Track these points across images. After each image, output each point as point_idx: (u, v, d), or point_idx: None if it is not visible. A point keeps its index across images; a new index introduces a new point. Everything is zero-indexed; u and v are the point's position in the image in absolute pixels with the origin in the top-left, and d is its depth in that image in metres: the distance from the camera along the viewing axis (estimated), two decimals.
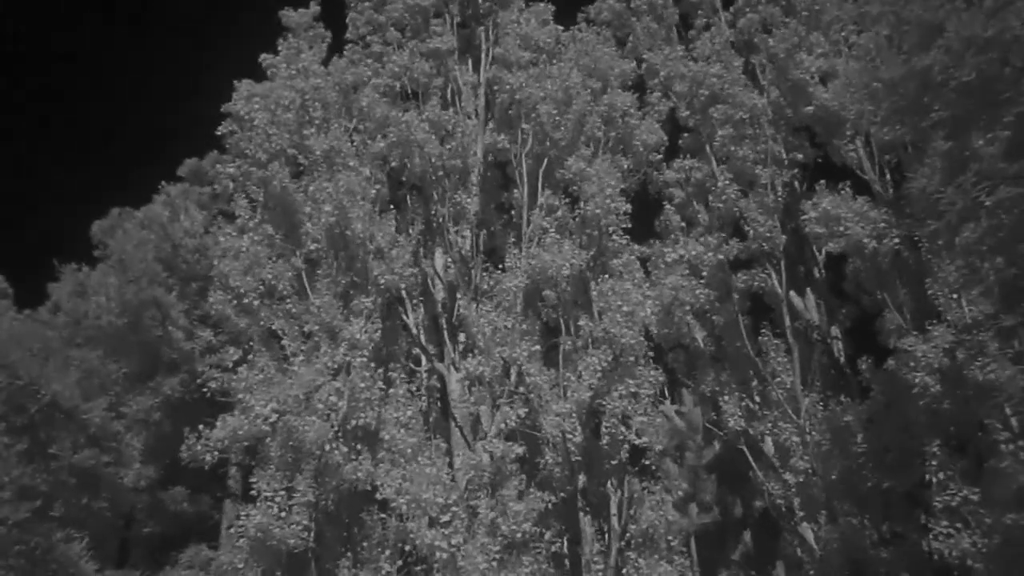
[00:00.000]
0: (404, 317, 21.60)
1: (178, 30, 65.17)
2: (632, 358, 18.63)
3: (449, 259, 22.66)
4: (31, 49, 63.02)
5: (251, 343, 19.00)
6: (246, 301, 19.23)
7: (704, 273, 22.17)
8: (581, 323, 19.50)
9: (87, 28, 63.84)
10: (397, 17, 25.83)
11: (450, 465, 19.64)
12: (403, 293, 21.05)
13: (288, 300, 19.45)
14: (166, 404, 23.86)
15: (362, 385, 18.18)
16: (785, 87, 23.31)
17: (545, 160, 22.11)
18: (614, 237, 20.52)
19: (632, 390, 18.38)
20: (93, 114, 64.74)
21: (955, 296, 18.11)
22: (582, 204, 20.84)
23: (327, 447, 17.14)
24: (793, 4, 24.43)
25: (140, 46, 65.26)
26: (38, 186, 60.12)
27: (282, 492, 17.00)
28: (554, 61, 23.55)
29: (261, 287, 19.37)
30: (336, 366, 18.26)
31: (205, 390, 19.66)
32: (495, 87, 23.86)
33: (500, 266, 21.16)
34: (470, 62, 26.11)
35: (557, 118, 21.95)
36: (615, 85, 23.03)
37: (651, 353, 19.07)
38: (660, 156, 23.90)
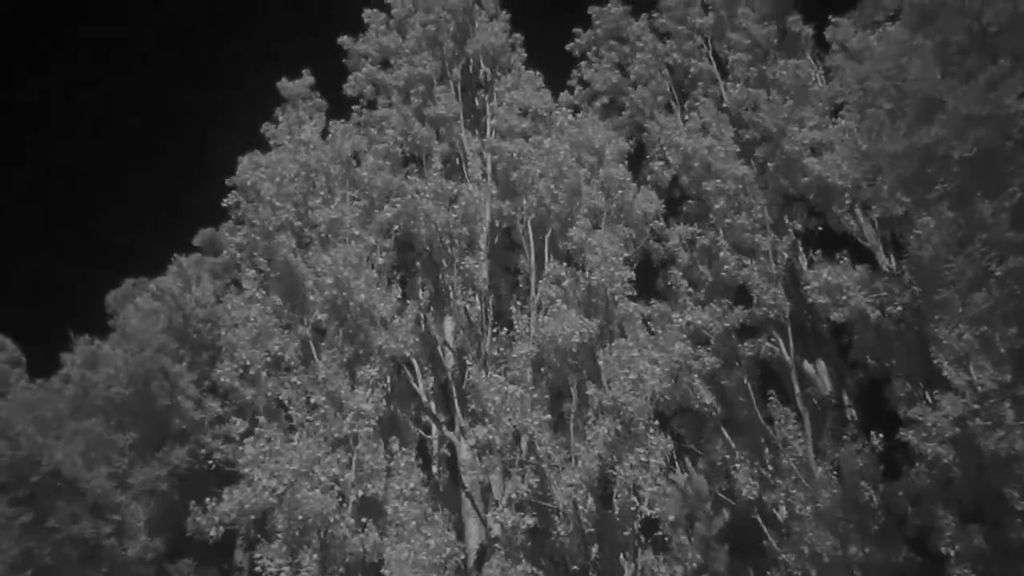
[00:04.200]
0: (414, 384, 21.57)
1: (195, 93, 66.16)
2: (642, 427, 18.49)
3: (458, 325, 22.66)
4: (48, 111, 64.15)
5: (257, 415, 18.92)
6: (252, 373, 19.20)
7: (711, 340, 22.21)
8: (589, 392, 19.42)
9: (108, 88, 64.95)
10: (402, 86, 26.22)
11: (460, 536, 19.52)
12: (412, 360, 21.03)
13: (294, 371, 19.39)
14: (174, 474, 23.68)
15: (368, 456, 18.08)
16: (779, 159, 23.55)
17: (550, 230, 22.24)
18: (620, 305, 20.56)
19: (642, 459, 18.21)
20: (113, 183, 65.56)
21: (962, 364, 18.02)
22: (587, 273, 20.88)
23: (332, 519, 16.93)
24: (779, 79, 24.79)
25: (164, 113, 66.32)
26: (57, 254, 60.69)
27: (287, 567, 16.76)
28: (548, 136, 23.73)
29: (268, 358, 19.35)
30: (342, 436, 18.16)
31: (210, 463, 19.58)
32: (495, 156, 24.14)
33: (508, 331, 21.14)
34: (478, 128, 26.45)
35: (555, 192, 22.11)
36: (609, 159, 23.26)
37: (656, 421, 18.93)
38: (661, 223, 24.03)
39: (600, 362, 19.47)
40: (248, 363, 19.24)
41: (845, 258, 21.42)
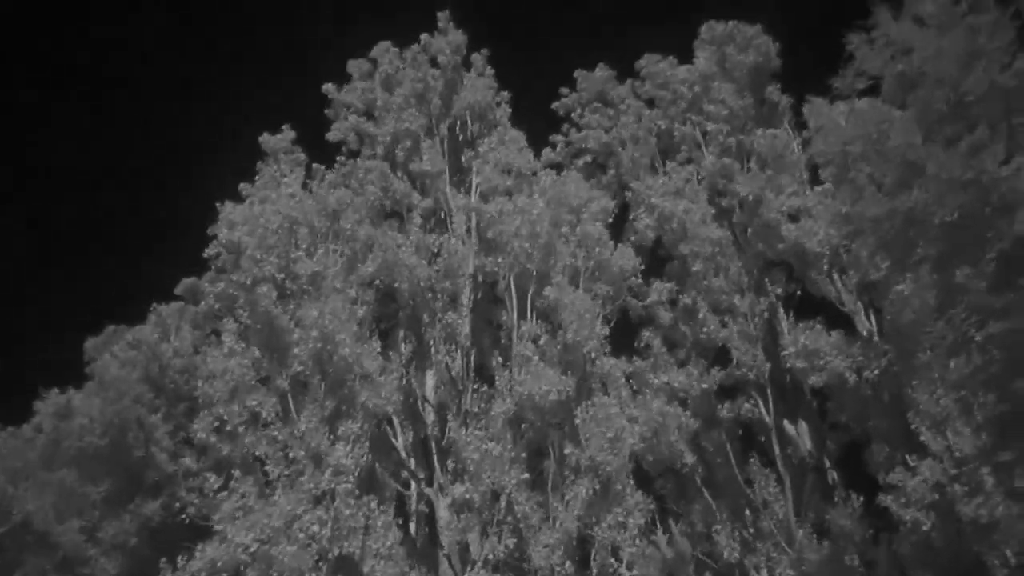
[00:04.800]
0: (393, 440, 21.33)
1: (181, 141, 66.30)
2: (619, 486, 18.38)
3: (439, 380, 22.50)
4: (31, 150, 64.03)
5: (233, 470, 18.59)
6: (229, 428, 18.88)
7: (688, 401, 22.27)
8: (567, 451, 19.31)
9: (93, 135, 65.03)
10: (388, 141, 26.35)
11: None
12: (392, 416, 20.83)
13: (273, 425, 19.09)
14: (145, 528, 23.20)
15: (347, 512, 17.78)
16: (757, 225, 23.86)
17: (531, 286, 22.26)
18: (597, 363, 20.55)
19: (620, 519, 18.06)
20: (97, 226, 65.22)
21: (940, 430, 18.08)
22: (562, 331, 20.87)
23: None
24: (756, 149, 25.21)
25: (152, 156, 66.40)
26: (36, 299, 60.15)
27: None
28: (529, 194, 23.90)
29: (245, 414, 19.04)
30: (320, 493, 17.87)
31: (184, 516, 19.23)
32: (476, 214, 24.23)
33: (489, 387, 21.05)
34: (463, 186, 26.57)
35: (530, 251, 22.20)
36: (586, 217, 23.42)
37: (631, 480, 18.80)
38: (639, 280, 24.12)
39: (577, 420, 19.39)
40: (225, 418, 18.94)
41: (819, 324, 21.78)
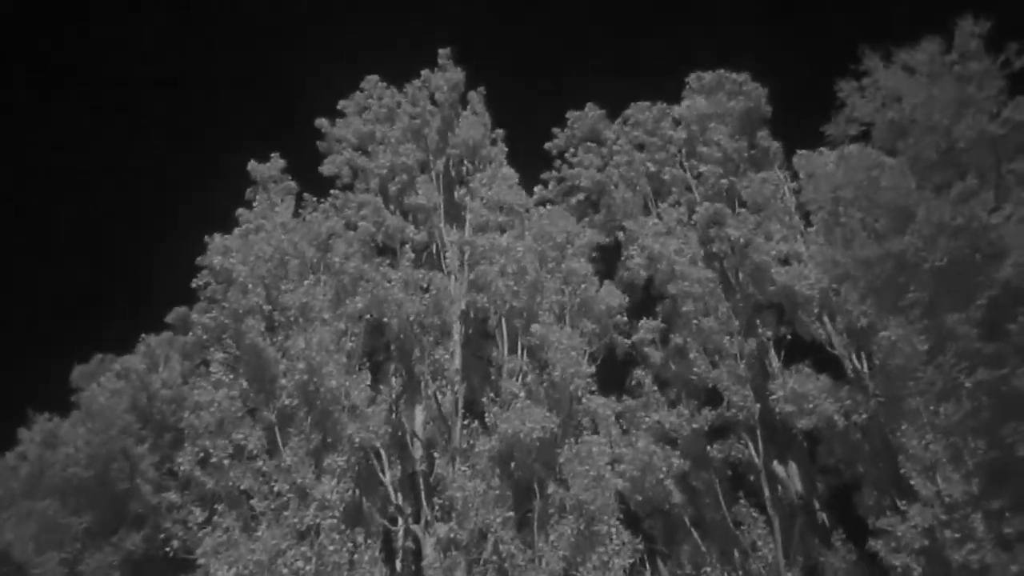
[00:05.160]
0: (380, 474, 21.14)
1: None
2: (604, 526, 18.24)
3: (428, 416, 22.37)
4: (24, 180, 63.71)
5: (217, 504, 18.37)
6: (214, 461, 18.69)
7: (678, 440, 22.19)
8: (550, 490, 19.18)
9: (89, 154, 64.68)
10: (384, 174, 26.43)
11: None
12: (380, 450, 20.68)
13: (258, 459, 18.90)
14: (128, 561, 22.87)
15: (331, 548, 17.58)
16: (748, 268, 24.03)
17: (519, 323, 22.23)
18: (583, 400, 20.49)
19: (605, 559, 17.90)
20: (87, 253, 64.70)
21: (929, 475, 18.05)
22: (549, 369, 20.79)
23: None
24: (748, 194, 25.49)
25: (144, 183, 66.04)
26: (26, 326, 59.47)
27: None
28: (517, 233, 23.96)
29: (230, 448, 18.84)
30: (304, 528, 17.68)
31: (167, 550, 18.96)
32: (468, 249, 24.25)
33: (478, 423, 20.93)
34: (457, 221, 26.62)
35: (515, 289, 22.22)
36: (571, 253, 23.46)
37: (618, 520, 18.64)
38: (624, 318, 24.10)
39: (562, 459, 19.26)
40: (211, 451, 18.74)
41: (808, 367, 21.86)
